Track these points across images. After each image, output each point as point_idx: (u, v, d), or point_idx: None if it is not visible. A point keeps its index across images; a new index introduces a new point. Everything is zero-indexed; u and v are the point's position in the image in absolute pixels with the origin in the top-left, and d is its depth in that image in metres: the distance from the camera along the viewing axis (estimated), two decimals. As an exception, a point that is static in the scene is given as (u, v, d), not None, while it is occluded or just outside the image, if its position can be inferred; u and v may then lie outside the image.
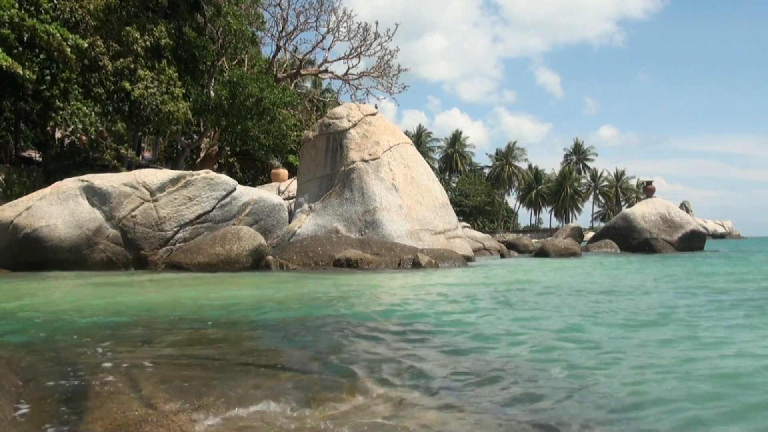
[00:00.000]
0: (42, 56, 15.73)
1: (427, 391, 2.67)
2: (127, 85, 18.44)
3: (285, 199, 15.37)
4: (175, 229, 10.97)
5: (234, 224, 11.52)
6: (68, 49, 15.56)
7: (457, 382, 2.82)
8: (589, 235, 28.47)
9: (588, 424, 2.25)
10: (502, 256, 17.93)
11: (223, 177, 11.83)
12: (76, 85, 17.23)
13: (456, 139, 75.05)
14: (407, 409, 2.42)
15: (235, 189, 11.78)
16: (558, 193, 74.66)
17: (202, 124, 23.99)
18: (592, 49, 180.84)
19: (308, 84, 35.94)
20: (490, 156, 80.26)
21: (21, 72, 14.31)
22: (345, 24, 26.10)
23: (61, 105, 16.44)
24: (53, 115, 16.92)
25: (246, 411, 2.37)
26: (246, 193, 12.12)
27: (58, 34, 15.21)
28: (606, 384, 2.79)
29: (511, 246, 20.42)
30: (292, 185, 18.79)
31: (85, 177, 11.21)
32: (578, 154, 79.96)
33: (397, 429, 2.19)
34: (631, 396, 2.60)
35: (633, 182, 76.31)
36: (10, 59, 13.95)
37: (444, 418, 2.32)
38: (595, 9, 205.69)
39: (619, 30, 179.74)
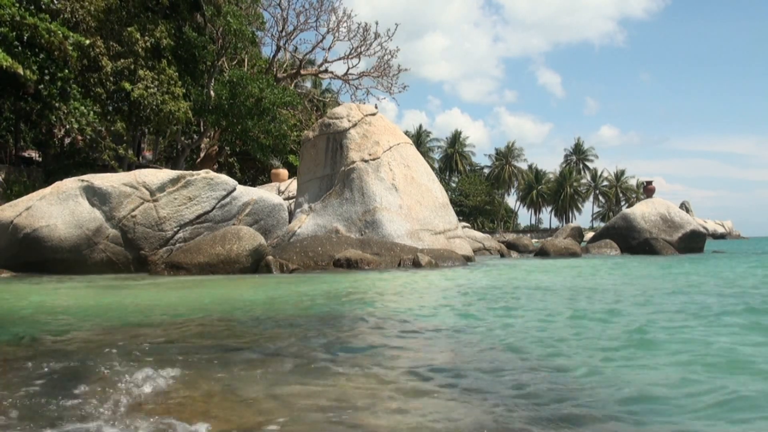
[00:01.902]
0: (42, 56, 15.73)
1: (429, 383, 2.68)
2: (127, 85, 18.45)
3: (285, 199, 15.38)
4: (175, 229, 10.97)
5: (234, 224, 11.52)
6: (69, 48, 15.56)
7: (459, 385, 2.82)
8: (589, 235, 28.47)
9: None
10: (502, 256, 17.94)
11: (223, 177, 11.83)
12: (74, 85, 17.23)
13: (456, 139, 75.07)
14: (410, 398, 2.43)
15: (235, 189, 11.78)
16: (558, 193, 74.69)
17: (202, 124, 23.99)
18: (593, 49, 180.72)
19: (308, 84, 35.94)
20: (489, 156, 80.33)
21: (22, 72, 14.30)
22: (345, 24, 26.12)
23: (58, 105, 16.44)
24: (49, 114, 16.91)
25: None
26: (246, 193, 12.12)
27: (59, 32, 15.22)
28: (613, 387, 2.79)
29: (511, 246, 20.43)
30: (292, 185, 18.80)
31: (85, 177, 11.21)
32: (578, 155, 79.99)
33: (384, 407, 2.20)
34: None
35: (633, 182, 76.38)
36: (10, 59, 13.95)
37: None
38: (596, 9, 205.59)
39: (620, 30, 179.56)
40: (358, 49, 26.45)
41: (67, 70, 16.43)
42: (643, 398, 2.54)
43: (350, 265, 10.29)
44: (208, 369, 3.01)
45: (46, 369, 2.95)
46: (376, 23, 27.85)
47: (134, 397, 2.46)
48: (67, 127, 17.43)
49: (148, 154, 31.22)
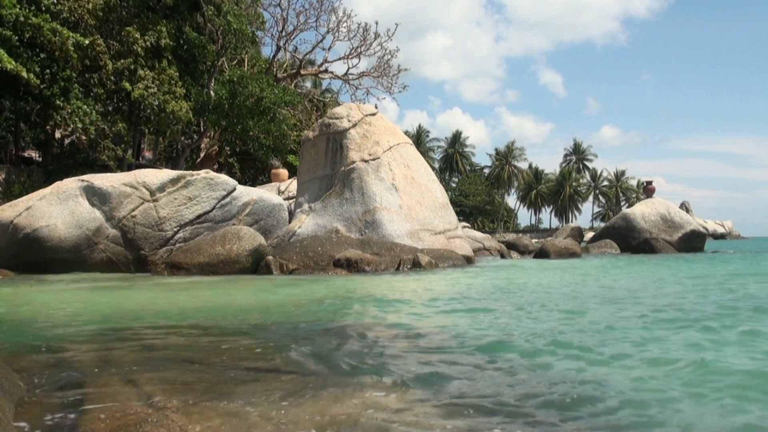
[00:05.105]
0: (42, 56, 15.74)
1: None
2: (127, 85, 18.44)
3: (285, 199, 15.37)
4: (175, 229, 10.97)
5: (234, 224, 11.51)
6: (71, 49, 15.58)
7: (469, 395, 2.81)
8: (589, 235, 28.48)
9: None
10: (503, 256, 17.93)
11: (223, 177, 11.83)
12: (76, 84, 17.23)
13: (456, 139, 75.03)
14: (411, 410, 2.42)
15: (235, 189, 11.78)
16: (558, 193, 74.63)
17: (202, 124, 23.99)
18: (595, 49, 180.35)
19: (308, 84, 35.93)
20: (490, 155, 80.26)
21: (26, 75, 14.33)
22: (345, 24, 26.12)
23: (61, 104, 16.44)
24: (53, 114, 16.92)
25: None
26: (246, 193, 12.11)
27: (65, 31, 15.26)
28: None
29: (511, 246, 20.40)
30: (292, 185, 18.78)
31: (85, 177, 11.21)
32: (578, 154, 79.95)
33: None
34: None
35: (633, 182, 76.34)
36: (14, 62, 13.96)
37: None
38: (599, 8, 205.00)
39: (622, 29, 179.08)
40: (358, 49, 26.46)
41: (68, 70, 16.43)
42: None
43: (350, 265, 10.28)
44: (195, 387, 2.99)
45: (36, 381, 2.91)
46: (376, 23, 27.96)
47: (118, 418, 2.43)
48: (71, 126, 17.46)
49: (148, 154, 31.22)
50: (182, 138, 24.43)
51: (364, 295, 6.66)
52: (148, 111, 19.06)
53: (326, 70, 27.73)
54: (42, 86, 15.93)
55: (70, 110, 16.62)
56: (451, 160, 74.32)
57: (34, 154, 24.95)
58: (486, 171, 77.43)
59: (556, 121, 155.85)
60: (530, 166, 77.15)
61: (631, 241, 19.91)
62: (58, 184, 11.05)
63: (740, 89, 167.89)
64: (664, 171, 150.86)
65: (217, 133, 23.90)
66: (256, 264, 10.50)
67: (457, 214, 18.99)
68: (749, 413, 2.37)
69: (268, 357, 3.42)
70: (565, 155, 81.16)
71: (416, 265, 10.57)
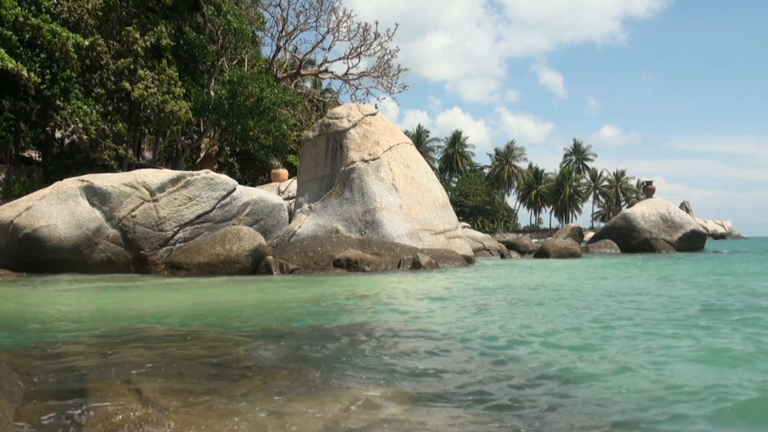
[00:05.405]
0: (42, 56, 15.75)
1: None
2: (127, 85, 18.45)
3: (285, 199, 15.36)
4: (175, 229, 10.97)
5: (234, 224, 11.51)
6: (71, 49, 15.60)
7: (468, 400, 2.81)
8: (589, 235, 28.49)
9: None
10: (503, 256, 17.93)
11: (223, 177, 11.82)
12: (76, 84, 17.25)
13: (456, 139, 75.03)
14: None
15: (235, 189, 11.77)
16: (558, 193, 74.61)
17: (202, 124, 24.00)
18: (595, 49, 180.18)
19: (308, 84, 35.94)
20: (490, 155, 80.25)
21: (26, 74, 14.35)
22: (345, 24, 26.14)
23: (62, 104, 16.45)
24: (53, 114, 16.93)
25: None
26: (246, 193, 12.11)
27: (64, 33, 15.29)
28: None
29: (511, 246, 20.40)
30: (292, 185, 18.78)
31: (85, 177, 11.21)
32: (578, 154, 79.95)
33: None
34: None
35: (633, 182, 76.34)
36: (14, 61, 13.98)
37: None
38: (599, 8, 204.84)
39: (623, 29, 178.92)
40: (358, 49, 26.47)
41: (69, 71, 16.44)
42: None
43: (350, 265, 10.28)
44: (195, 387, 2.99)
45: (36, 380, 2.91)
46: (376, 23, 28.00)
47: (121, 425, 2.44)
48: (72, 126, 17.48)
49: (148, 154, 31.23)
50: (182, 138, 24.43)
51: (363, 294, 6.66)
52: (148, 111, 19.07)
53: (326, 70, 27.75)
54: (42, 86, 15.94)
55: (70, 110, 16.64)
56: (451, 160, 74.30)
57: (34, 154, 24.95)
58: (486, 171, 77.43)
59: (556, 121, 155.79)
60: (530, 166, 77.20)
61: (631, 241, 19.91)
62: (58, 184, 11.05)
63: (740, 89, 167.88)
64: (664, 171, 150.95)
65: (217, 133, 23.91)
66: (256, 264, 10.50)
67: (457, 214, 19.00)
68: (749, 411, 2.37)
69: (267, 357, 3.43)
70: (565, 155, 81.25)
71: (416, 265, 10.57)
